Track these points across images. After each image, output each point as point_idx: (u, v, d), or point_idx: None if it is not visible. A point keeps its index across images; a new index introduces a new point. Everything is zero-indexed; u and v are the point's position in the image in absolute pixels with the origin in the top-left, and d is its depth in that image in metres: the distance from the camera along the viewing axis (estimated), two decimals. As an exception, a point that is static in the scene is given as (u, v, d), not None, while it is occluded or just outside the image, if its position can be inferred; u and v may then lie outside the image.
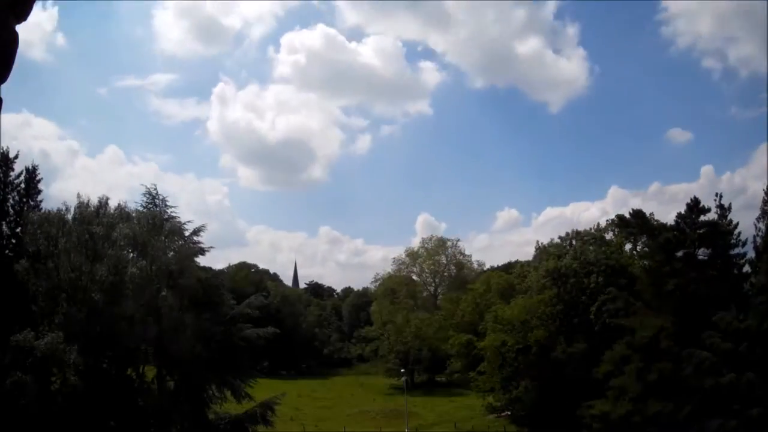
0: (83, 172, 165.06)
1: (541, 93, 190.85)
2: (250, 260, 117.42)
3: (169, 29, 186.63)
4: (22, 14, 2.90)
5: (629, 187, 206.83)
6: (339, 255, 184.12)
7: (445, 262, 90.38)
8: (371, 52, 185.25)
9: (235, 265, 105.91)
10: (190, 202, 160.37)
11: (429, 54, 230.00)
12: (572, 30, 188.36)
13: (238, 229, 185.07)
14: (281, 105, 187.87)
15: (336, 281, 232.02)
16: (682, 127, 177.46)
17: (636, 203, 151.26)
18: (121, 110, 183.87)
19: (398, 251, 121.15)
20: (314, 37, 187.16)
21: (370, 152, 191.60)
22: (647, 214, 39.83)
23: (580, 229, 59.37)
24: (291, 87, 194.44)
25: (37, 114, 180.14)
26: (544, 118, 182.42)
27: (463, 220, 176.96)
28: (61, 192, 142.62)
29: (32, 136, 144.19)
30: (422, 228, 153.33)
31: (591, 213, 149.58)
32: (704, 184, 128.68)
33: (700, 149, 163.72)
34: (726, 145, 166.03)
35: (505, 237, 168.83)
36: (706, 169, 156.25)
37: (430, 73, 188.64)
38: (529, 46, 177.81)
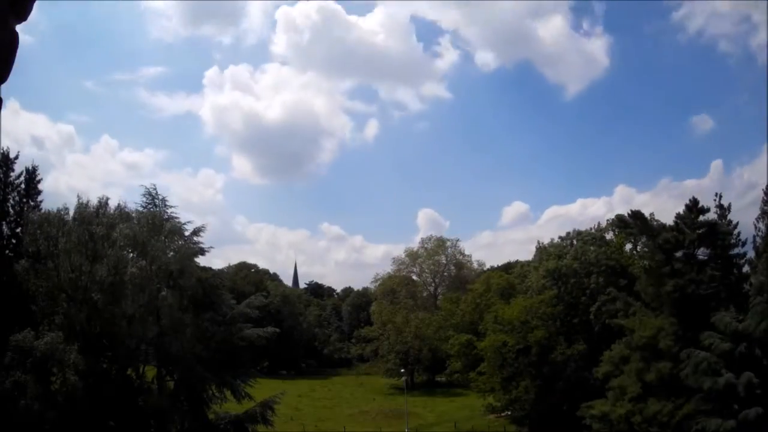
0: (76, 167, 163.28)
1: (559, 76, 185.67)
2: (250, 258, 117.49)
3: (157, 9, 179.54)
4: (22, 13, 2.90)
5: (638, 183, 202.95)
6: (340, 253, 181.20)
7: (444, 262, 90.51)
8: (378, 27, 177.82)
9: (235, 265, 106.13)
10: (188, 198, 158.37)
11: (440, 33, 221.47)
12: (597, 8, 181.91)
13: (238, 226, 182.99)
14: (280, 91, 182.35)
15: (337, 280, 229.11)
16: (697, 119, 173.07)
17: (645, 199, 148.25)
18: (111, 103, 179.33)
19: (401, 249, 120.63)
20: (314, 11, 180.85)
21: (374, 142, 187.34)
22: (647, 215, 39.85)
23: (587, 226, 59.25)
24: (290, 69, 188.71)
25: (24, 108, 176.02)
26: (558, 107, 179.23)
27: (467, 217, 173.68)
28: (53, 187, 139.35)
29: (24, 129, 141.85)
30: (425, 224, 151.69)
31: (598, 210, 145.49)
32: (715, 179, 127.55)
33: (712, 142, 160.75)
34: (739, 138, 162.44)
35: (511, 234, 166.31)
36: (717, 164, 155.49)
37: (441, 55, 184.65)
38: (551, 24, 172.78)
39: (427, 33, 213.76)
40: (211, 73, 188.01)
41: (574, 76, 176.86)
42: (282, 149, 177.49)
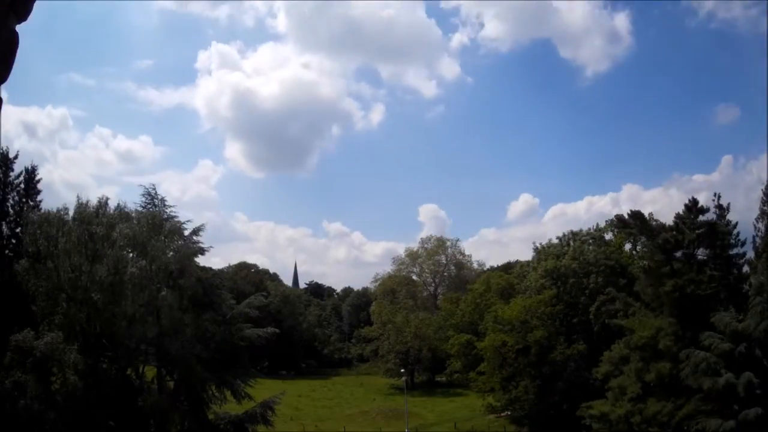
0: (69, 163, 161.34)
1: (578, 58, 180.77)
2: (249, 256, 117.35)
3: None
4: (23, 13, 2.92)
5: (646, 179, 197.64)
6: (340, 251, 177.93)
7: (445, 262, 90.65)
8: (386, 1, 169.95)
9: (235, 264, 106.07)
10: (185, 195, 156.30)
11: (454, 10, 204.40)
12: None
13: (236, 223, 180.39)
14: (279, 73, 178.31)
15: (337, 279, 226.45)
16: (707, 112, 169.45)
17: (653, 195, 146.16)
18: (102, 97, 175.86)
19: (401, 247, 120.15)
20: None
21: (378, 129, 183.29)
22: (655, 211, 40.02)
23: (594, 224, 58.85)
24: (289, 49, 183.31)
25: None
26: (563, 102, 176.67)
27: (471, 213, 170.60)
28: (48, 180, 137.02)
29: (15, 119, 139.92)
30: (427, 221, 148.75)
31: (605, 207, 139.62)
32: (725, 174, 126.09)
33: (722, 137, 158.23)
34: (749, 131, 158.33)
35: (516, 231, 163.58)
36: (727, 159, 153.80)
37: (455, 33, 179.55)
38: (572, 3, 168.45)
39: (439, 10, 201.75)
40: (204, 56, 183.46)
41: (591, 59, 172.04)
42: (282, 138, 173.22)
